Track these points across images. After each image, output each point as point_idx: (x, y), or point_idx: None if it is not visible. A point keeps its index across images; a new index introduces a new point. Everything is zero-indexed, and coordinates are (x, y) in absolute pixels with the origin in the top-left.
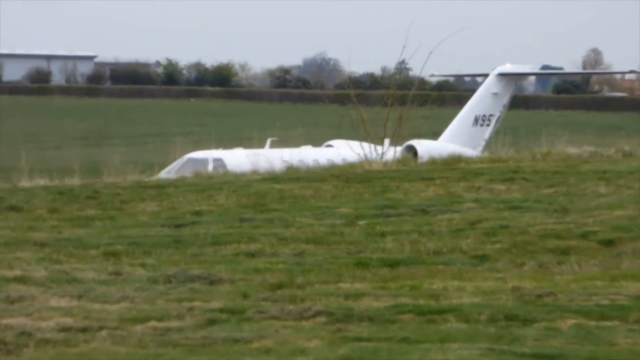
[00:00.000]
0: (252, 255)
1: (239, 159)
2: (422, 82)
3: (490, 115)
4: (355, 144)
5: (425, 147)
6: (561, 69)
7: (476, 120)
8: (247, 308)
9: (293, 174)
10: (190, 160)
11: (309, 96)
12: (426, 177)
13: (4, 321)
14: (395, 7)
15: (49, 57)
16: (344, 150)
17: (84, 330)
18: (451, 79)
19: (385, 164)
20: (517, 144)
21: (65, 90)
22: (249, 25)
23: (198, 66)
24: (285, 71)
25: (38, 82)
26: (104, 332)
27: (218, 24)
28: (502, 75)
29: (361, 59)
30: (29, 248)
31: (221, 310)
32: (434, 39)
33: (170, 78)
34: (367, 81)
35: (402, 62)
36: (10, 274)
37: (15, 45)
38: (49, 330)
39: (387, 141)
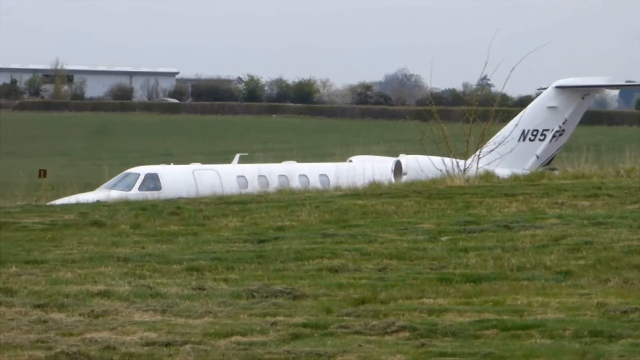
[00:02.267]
0: (335, 270)
1: (178, 174)
2: (504, 98)
3: (545, 130)
4: (376, 159)
5: (411, 161)
6: None
7: (524, 134)
8: (330, 323)
9: (375, 190)
10: (127, 174)
11: (390, 112)
12: (509, 193)
13: (89, 335)
14: (477, 20)
15: (131, 74)
16: (361, 166)
17: (167, 344)
18: (533, 95)
19: (467, 179)
20: (600, 160)
21: (147, 107)
22: (330, 42)
23: (279, 82)
24: (367, 87)
25: (120, 99)
26: (187, 347)
27: (299, 40)
28: (560, 88)
29: (443, 74)
30: (113, 263)
31: (304, 325)
32: (518, 52)
33: (251, 94)
34: (449, 97)
35: (484, 78)
36: (94, 288)
37: (97, 61)
38: (133, 344)
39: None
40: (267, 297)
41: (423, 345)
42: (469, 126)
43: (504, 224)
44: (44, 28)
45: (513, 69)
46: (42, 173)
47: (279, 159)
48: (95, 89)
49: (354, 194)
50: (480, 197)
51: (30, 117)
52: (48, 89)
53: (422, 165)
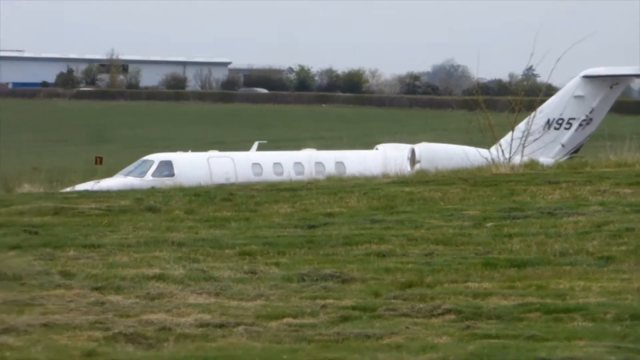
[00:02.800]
0: (382, 255)
1: (192, 161)
2: (549, 88)
3: (571, 118)
4: (400, 146)
5: (425, 149)
6: None
7: (549, 123)
8: (378, 306)
9: (422, 177)
10: (143, 161)
11: (437, 102)
12: (552, 181)
13: (145, 317)
14: (524, 10)
15: (184, 64)
16: (388, 152)
17: (221, 326)
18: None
19: (512, 167)
20: None
21: (200, 96)
22: (380, 32)
23: (329, 72)
24: (415, 78)
25: (174, 88)
26: (240, 328)
27: (349, 30)
28: (587, 77)
29: (489, 65)
30: (167, 247)
31: (353, 308)
32: (563, 43)
33: (302, 84)
34: (495, 87)
35: (530, 68)
36: (149, 272)
37: (152, 51)
38: (188, 325)
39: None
40: (317, 280)
41: (468, 327)
42: (514, 116)
43: (547, 210)
44: (100, 18)
45: (559, 59)
46: (99, 160)
47: (328, 147)
48: (149, 79)
49: (402, 181)
50: (524, 184)
51: (86, 105)
52: (104, 78)
53: (437, 154)
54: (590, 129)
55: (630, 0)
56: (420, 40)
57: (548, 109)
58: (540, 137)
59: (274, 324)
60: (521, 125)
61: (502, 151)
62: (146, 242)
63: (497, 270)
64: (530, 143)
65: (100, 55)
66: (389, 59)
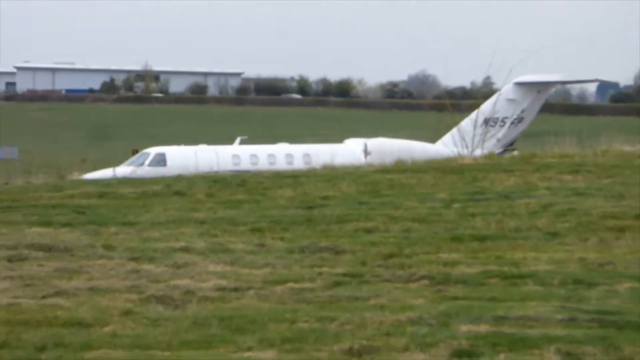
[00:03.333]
0: (369, 231)
1: (182, 154)
2: None
3: (504, 117)
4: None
5: (375, 144)
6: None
7: (486, 121)
8: (365, 273)
9: (401, 167)
10: (143, 153)
11: (413, 105)
12: (508, 170)
13: (173, 282)
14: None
15: (205, 74)
16: (353, 146)
17: (235, 289)
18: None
19: (475, 158)
20: (581, 143)
21: (218, 100)
22: (365, 46)
23: (324, 81)
24: (394, 85)
25: (197, 94)
26: (251, 292)
27: (341, 44)
28: (519, 84)
29: (455, 72)
30: (191, 225)
31: (345, 275)
32: (520, 51)
33: (302, 90)
34: (459, 93)
35: (488, 77)
36: (176, 245)
37: (178, 63)
38: (208, 289)
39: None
40: (314, 252)
41: (439, 291)
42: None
43: (504, 194)
44: (136, 35)
45: (510, 70)
46: (135, 152)
47: (322, 143)
48: (177, 86)
49: (384, 169)
50: (485, 172)
51: (125, 108)
52: (139, 86)
53: (385, 147)
54: (522, 126)
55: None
56: (398, 53)
57: (485, 109)
58: (496, 133)
59: (279, 288)
60: (463, 124)
61: (465, 145)
62: (174, 220)
63: (462, 243)
64: (472, 138)
65: (136, 66)
66: (372, 69)
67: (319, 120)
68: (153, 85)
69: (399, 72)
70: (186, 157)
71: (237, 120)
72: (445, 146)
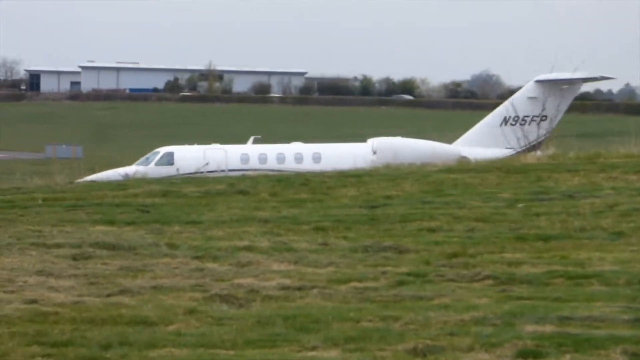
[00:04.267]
0: (432, 230)
1: (191, 153)
2: None
3: (525, 116)
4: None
5: (381, 143)
6: None
7: (505, 120)
8: (429, 272)
9: (465, 166)
10: (154, 152)
11: (476, 105)
12: (572, 169)
13: (236, 281)
14: (546, 23)
15: (269, 73)
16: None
17: (299, 288)
18: (592, 92)
19: (539, 158)
20: None
21: (282, 100)
22: (428, 46)
23: (387, 80)
24: (457, 85)
25: (260, 93)
26: (315, 291)
27: (404, 44)
28: (539, 81)
29: (519, 71)
30: (255, 224)
31: (408, 274)
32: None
33: (365, 90)
34: None
35: None
36: (240, 243)
37: (242, 63)
38: (272, 288)
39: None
40: (378, 251)
41: (504, 290)
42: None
43: (568, 194)
44: (201, 35)
45: (574, 69)
46: None
47: None
48: (240, 86)
49: (448, 169)
50: (549, 172)
51: (189, 108)
52: (203, 85)
53: (391, 147)
54: (547, 125)
55: None
56: (462, 53)
57: (506, 108)
58: (517, 132)
59: (342, 287)
60: (482, 123)
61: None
62: (237, 219)
63: (527, 243)
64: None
65: (200, 66)
66: (435, 68)
67: (381, 119)
68: (217, 84)
69: (462, 72)
70: (194, 157)
71: (299, 120)
72: (463, 145)
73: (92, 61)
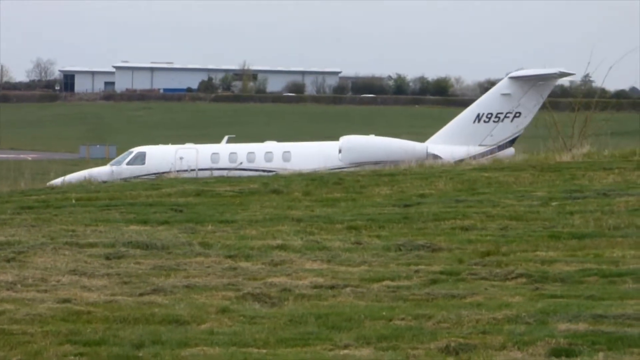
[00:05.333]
0: (465, 229)
1: (162, 152)
2: (603, 91)
3: (499, 113)
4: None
5: (346, 141)
6: None
7: (478, 117)
8: (462, 271)
9: (498, 165)
10: (128, 152)
11: None
12: (606, 167)
13: (269, 280)
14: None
15: (303, 73)
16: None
17: (332, 287)
18: (627, 88)
19: (573, 156)
20: None
21: (316, 99)
22: (462, 45)
23: (421, 79)
24: (492, 83)
25: (295, 92)
26: (348, 289)
27: (439, 40)
28: (513, 78)
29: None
30: (288, 222)
31: (441, 272)
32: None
33: (399, 89)
34: (558, 91)
35: (586, 75)
36: (273, 242)
37: (276, 63)
38: (305, 287)
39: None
40: (411, 250)
41: (537, 289)
42: (574, 114)
43: (602, 192)
44: (235, 35)
45: (611, 67)
46: None
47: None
48: (274, 85)
49: (481, 167)
50: (583, 170)
51: (223, 107)
52: (237, 85)
53: (357, 145)
54: (521, 122)
55: None
56: (496, 51)
57: (479, 105)
58: (491, 129)
59: (375, 285)
60: (455, 121)
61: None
62: (271, 218)
63: (560, 241)
64: (458, 134)
65: (234, 66)
66: (470, 67)
67: (415, 118)
68: (251, 84)
69: (497, 70)
70: (165, 156)
71: (334, 119)
72: (437, 144)
73: (126, 61)
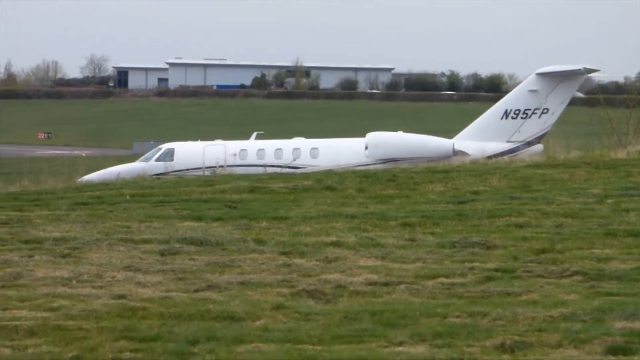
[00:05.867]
0: (520, 226)
1: (190, 149)
2: None
3: (526, 109)
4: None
5: (372, 137)
6: None
7: (506, 114)
8: (517, 268)
9: (553, 162)
10: (157, 149)
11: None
12: None
13: (324, 276)
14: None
15: (355, 69)
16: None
17: (386, 284)
18: None
19: (628, 153)
20: None
21: (369, 96)
22: (516, 42)
23: (475, 76)
24: None
25: (347, 89)
26: (402, 286)
27: (492, 40)
28: (540, 74)
29: (608, 67)
30: (342, 219)
31: (496, 270)
32: None
33: (452, 86)
34: (612, 87)
35: None
36: (327, 239)
37: (328, 59)
38: (359, 284)
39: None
40: (465, 247)
41: (593, 286)
42: (630, 111)
43: None
44: (288, 32)
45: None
46: None
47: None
48: (327, 82)
49: (536, 164)
50: (638, 167)
51: (276, 104)
52: (290, 81)
53: (382, 141)
54: (549, 118)
55: None
56: (550, 48)
57: (506, 102)
58: (519, 126)
59: (430, 282)
60: (483, 117)
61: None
62: (325, 215)
63: (616, 239)
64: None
65: (287, 62)
66: (523, 63)
67: (469, 115)
68: (304, 80)
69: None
70: (194, 153)
71: (386, 116)
72: (464, 140)
73: (180, 58)
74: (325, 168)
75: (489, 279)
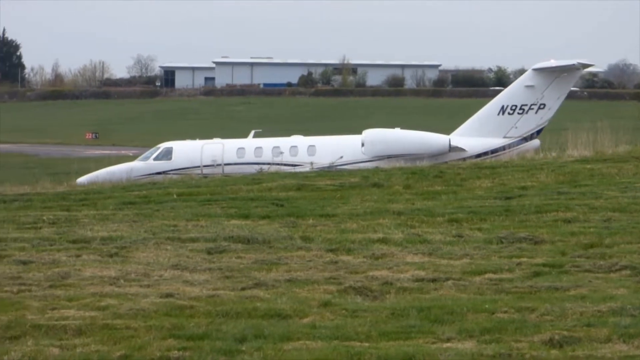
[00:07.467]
0: (568, 221)
1: (188, 148)
2: None
3: (523, 105)
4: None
5: (368, 134)
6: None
7: (503, 109)
8: (565, 263)
9: (601, 156)
10: (156, 148)
11: (612, 95)
12: None
13: (371, 273)
14: None
15: (402, 66)
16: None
17: (433, 280)
18: None
19: None
20: None
21: (416, 93)
22: (563, 36)
23: (522, 72)
24: (593, 74)
25: (394, 86)
26: (449, 282)
27: (538, 35)
28: (537, 70)
29: None
30: (389, 216)
31: (544, 265)
32: None
33: (499, 82)
34: None
35: None
36: (374, 236)
37: (375, 57)
38: (406, 280)
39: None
40: (513, 242)
41: None
42: None
43: None
44: (335, 30)
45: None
46: None
47: None
48: (374, 79)
49: (583, 159)
50: None
51: (323, 102)
52: (337, 79)
53: (382, 138)
54: (546, 113)
55: None
56: (598, 43)
57: (503, 97)
58: (515, 121)
59: (477, 278)
60: (480, 113)
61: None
62: (371, 211)
63: None
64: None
65: (334, 60)
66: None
67: None
68: (350, 78)
69: (599, 62)
70: (192, 151)
71: (433, 112)
72: (461, 136)
73: (226, 57)
74: (323, 165)
75: (536, 274)
